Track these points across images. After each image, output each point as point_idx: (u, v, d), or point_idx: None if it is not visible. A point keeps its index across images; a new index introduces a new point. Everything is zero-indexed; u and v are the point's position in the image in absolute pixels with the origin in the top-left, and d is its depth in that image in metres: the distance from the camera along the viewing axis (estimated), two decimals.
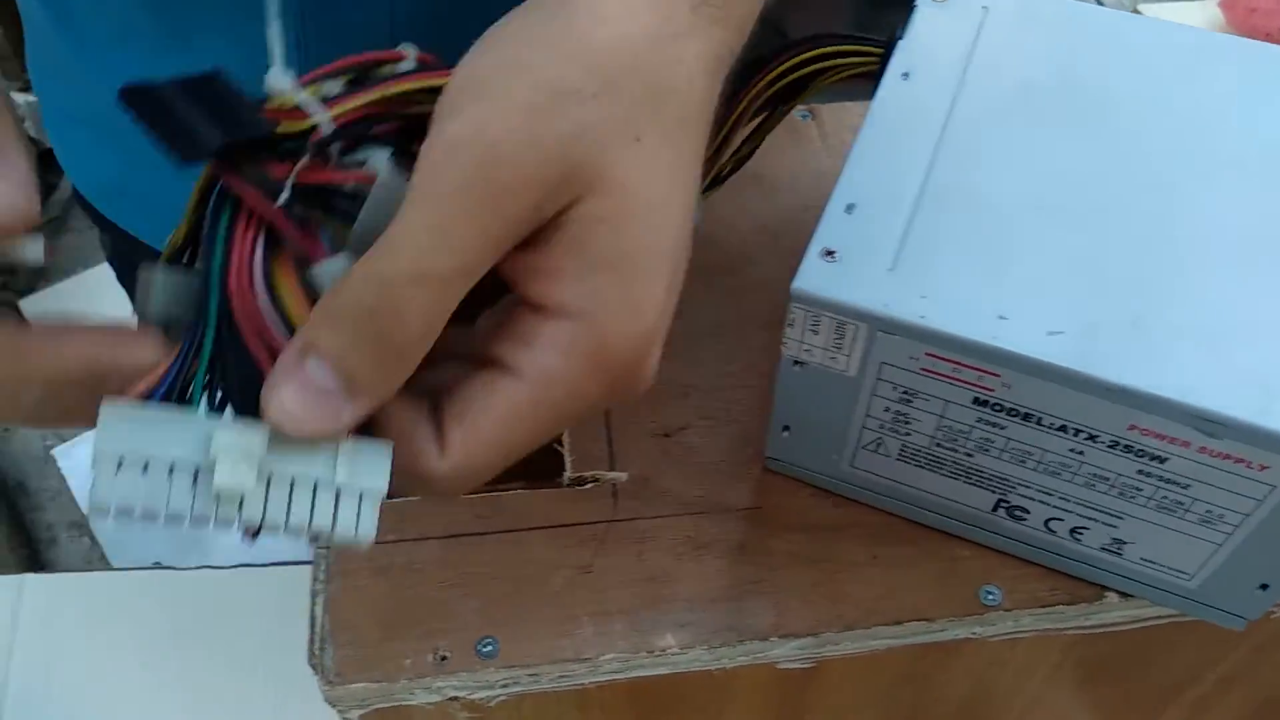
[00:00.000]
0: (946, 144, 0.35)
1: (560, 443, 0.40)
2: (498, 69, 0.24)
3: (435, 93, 0.26)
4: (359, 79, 0.27)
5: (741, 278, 0.45)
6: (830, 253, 0.32)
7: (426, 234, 0.23)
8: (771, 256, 0.46)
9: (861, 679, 0.40)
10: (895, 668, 0.40)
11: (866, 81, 0.40)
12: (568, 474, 0.40)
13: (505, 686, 0.36)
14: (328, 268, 0.25)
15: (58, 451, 0.73)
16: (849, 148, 0.49)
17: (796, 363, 0.34)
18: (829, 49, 0.38)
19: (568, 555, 0.38)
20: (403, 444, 0.25)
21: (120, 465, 0.22)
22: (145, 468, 0.22)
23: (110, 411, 0.23)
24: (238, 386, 0.24)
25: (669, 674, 0.37)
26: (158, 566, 0.65)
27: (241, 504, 0.23)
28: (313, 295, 0.25)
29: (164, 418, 0.23)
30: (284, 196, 0.24)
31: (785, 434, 0.37)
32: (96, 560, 0.68)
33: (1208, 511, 0.32)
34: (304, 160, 0.25)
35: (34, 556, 0.68)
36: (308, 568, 0.65)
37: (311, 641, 0.35)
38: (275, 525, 0.23)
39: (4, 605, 0.61)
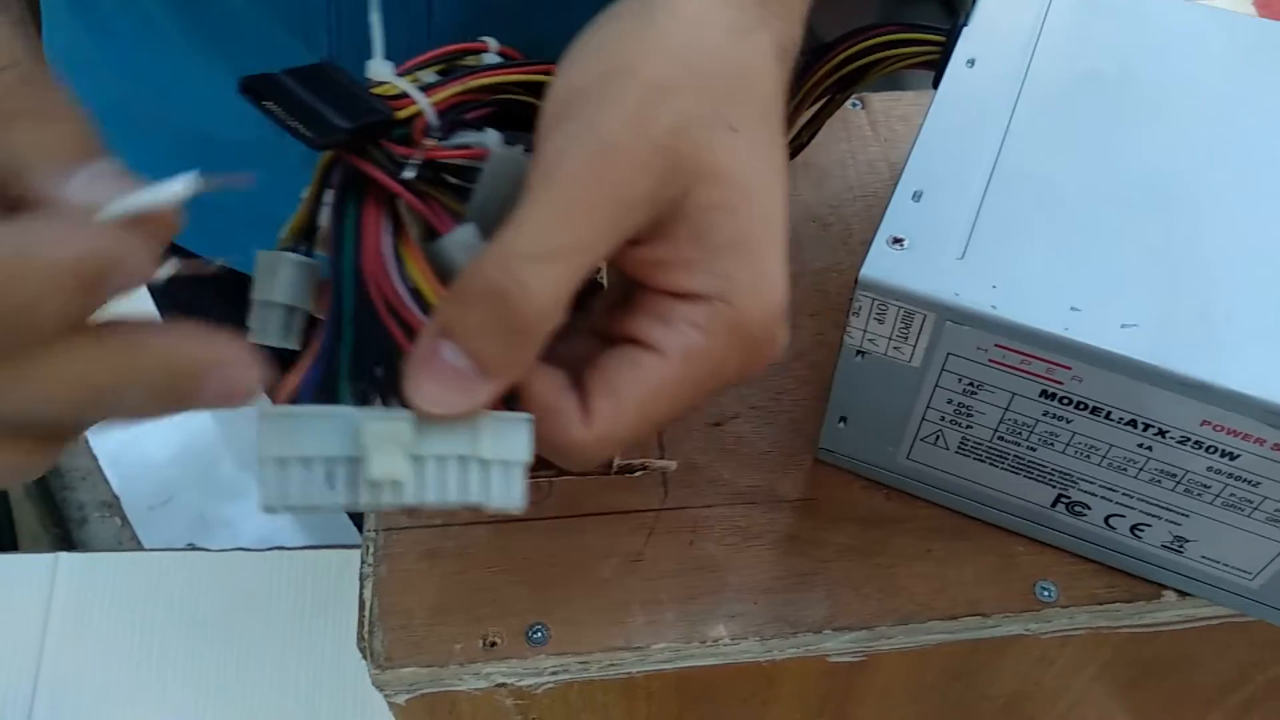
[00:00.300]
0: (1014, 132, 0.34)
1: None
2: (602, 76, 0.26)
3: (523, 86, 0.28)
4: (448, 69, 0.29)
5: (791, 266, 0.44)
6: (898, 240, 0.31)
7: (549, 213, 0.24)
8: (821, 245, 0.45)
9: (910, 674, 0.40)
10: (944, 663, 0.39)
11: (921, 70, 0.40)
12: (617, 461, 0.39)
13: (554, 674, 0.35)
14: (455, 238, 0.26)
15: (89, 431, 0.73)
16: (901, 137, 0.49)
17: (859, 352, 0.33)
18: (891, 37, 0.38)
19: (618, 543, 0.37)
20: (548, 415, 0.26)
21: (283, 466, 0.23)
22: (306, 465, 0.24)
23: (266, 416, 0.23)
24: (382, 373, 0.25)
25: (718, 664, 0.36)
26: (191, 548, 0.65)
27: (397, 488, 0.24)
28: (439, 269, 0.26)
29: (315, 414, 0.24)
30: (411, 172, 0.25)
31: (841, 425, 0.37)
32: (128, 540, 0.68)
33: (1277, 510, 0.32)
34: (430, 140, 0.26)
35: (65, 536, 0.68)
36: (340, 551, 0.65)
37: (361, 624, 0.35)
38: (431, 503, 0.25)
39: (39, 583, 0.61)
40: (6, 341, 0.20)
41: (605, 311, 0.28)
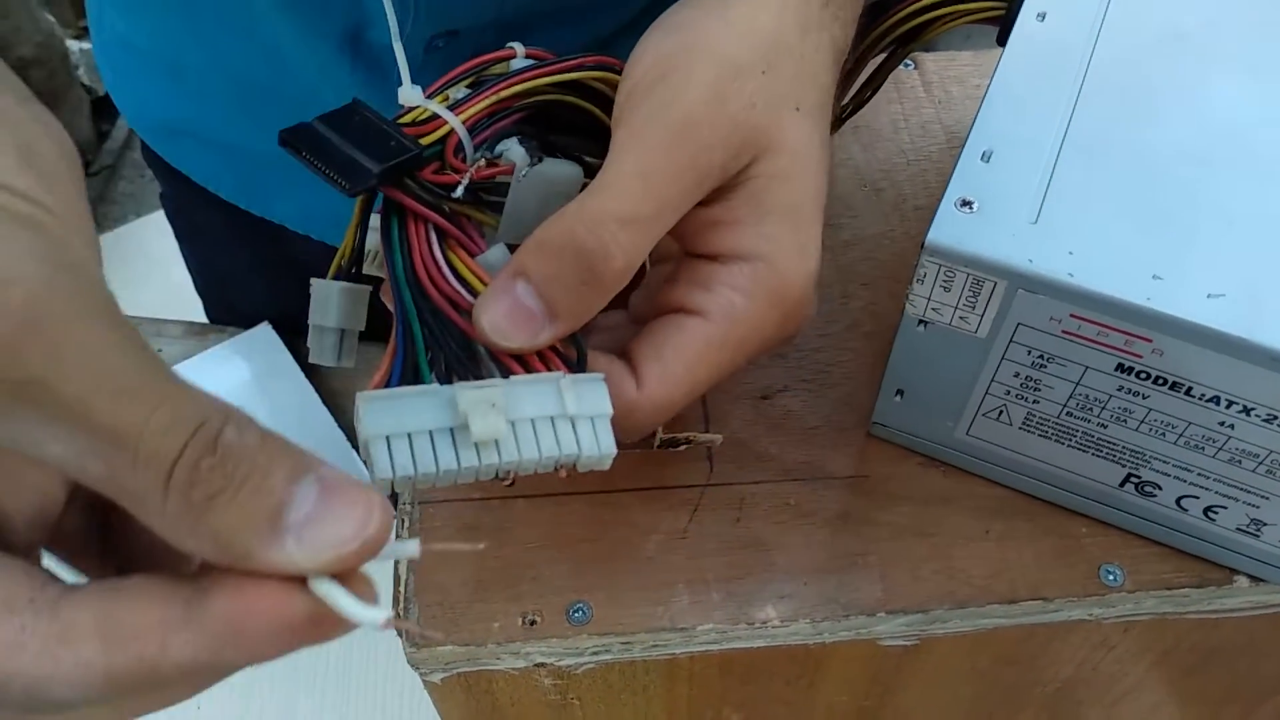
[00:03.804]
0: (1089, 89, 0.32)
1: None
2: (682, 50, 0.28)
3: (556, 85, 0.30)
4: (478, 80, 0.30)
5: (842, 233, 0.43)
6: (967, 203, 0.29)
7: (637, 180, 0.26)
8: (874, 211, 0.43)
9: (962, 658, 0.38)
10: (999, 648, 0.37)
11: (984, 26, 0.38)
12: (660, 435, 0.38)
13: (595, 654, 0.34)
14: (489, 257, 0.28)
15: None
16: (956, 98, 0.47)
17: (921, 322, 0.31)
18: None
19: (661, 519, 0.36)
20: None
21: (388, 443, 0.24)
22: (409, 440, 0.24)
23: (365, 400, 0.24)
24: (457, 354, 0.26)
25: (765, 646, 0.35)
26: None
27: (498, 448, 0.25)
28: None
29: (410, 394, 0.25)
30: (459, 193, 0.28)
31: (897, 399, 0.35)
32: None
33: None
34: (471, 169, 0.28)
35: None
36: None
37: (396, 601, 0.34)
38: (531, 461, 0.26)
39: None
40: None
41: (645, 296, 0.30)
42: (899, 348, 0.33)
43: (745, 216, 0.28)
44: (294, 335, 0.78)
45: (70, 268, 0.18)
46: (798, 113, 0.28)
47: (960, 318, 0.30)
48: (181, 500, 0.18)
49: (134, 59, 0.54)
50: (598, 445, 0.26)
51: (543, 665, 0.34)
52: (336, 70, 0.48)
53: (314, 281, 0.30)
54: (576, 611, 0.34)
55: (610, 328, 0.32)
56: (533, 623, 0.34)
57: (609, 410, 0.27)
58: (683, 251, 0.30)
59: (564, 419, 0.26)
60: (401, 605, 0.34)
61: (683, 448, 0.37)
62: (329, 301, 0.30)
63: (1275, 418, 0.29)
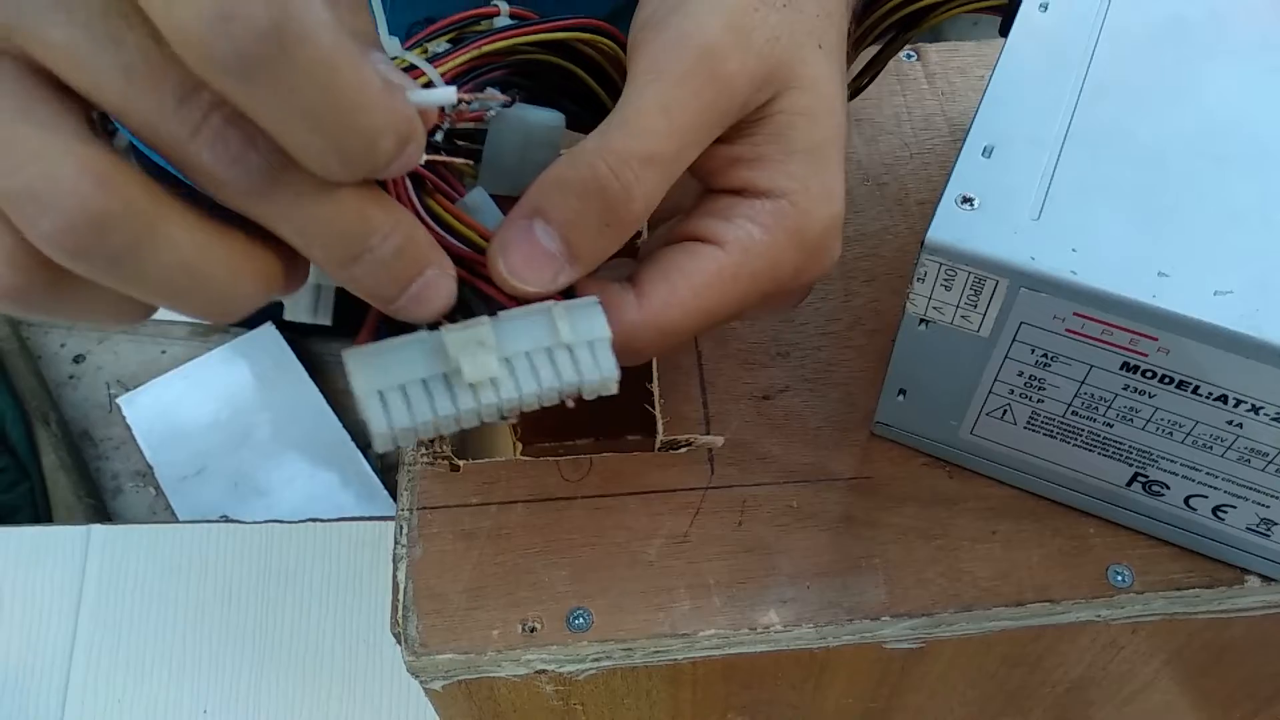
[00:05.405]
0: (1092, 81, 0.32)
1: (652, 404, 0.38)
2: None
3: (539, 45, 0.29)
4: (459, 36, 0.29)
5: (844, 229, 0.42)
6: (968, 200, 0.29)
7: (660, 116, 0.25)
8: (877, 206, 0.43)
9: (970, 660, 0.38)
10: (1007, 649, 0.37)
11: (986, 15, 0.37)
12: (660, 437, 0.37)
13: (597, 661, 0.34)
14: (468, 200, 0.27)
15: (122, 400, 0.73)
16: (959, 90, 0.46)
17: (922, 321, 0.31)
18: None
19: (662, 523, 0.35)
20: (600, 300, 0.27)
21: (383, 397, 0.24)
22: (404, 391, 0.24)
23: (353, 357, 0.24)
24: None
25: (768, 651, 0.34)
26: (224, 519, 0.64)
27: (496, 386, 0.25)
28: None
29: (398, 344, 0.25)
30: (438, 137, 0.27)
31: (900, 398, 0.34)
32: (161, 511, 0.68)
33: None
34: (451, 114, 0.27)
35: (100, 507, 0.68)
36: (374, 524, 0.64)
37: (395, 609, 0.34)
38: (531, 395, 0.25)
39: (73, 556, 0.60)
40: (345, 157, 0.20)
41: (655, 241, 0.29)
42: (900, 347, 0.32)
43: (770, 154, 0.27)
44: (297, 335, 0.78)
45: None
46: (820, 50, 0.28)
47: (962, 317, 0.30)
48: None
49: None
50: (598, 369, 0.26)
51: (544, 672, 0.34)
52: None
53: None
54: (577, 618, 0.33)
55: (611, 265, 0.31)
56: (533, 630, 0.33)
57: (607, 333, 0.26)
58: (702, 189, 0.29)
59: (561, 348, 0.26)
60: (400, 614, 0.34)
61: (683, 450, 0.37)
62: None
63: None
